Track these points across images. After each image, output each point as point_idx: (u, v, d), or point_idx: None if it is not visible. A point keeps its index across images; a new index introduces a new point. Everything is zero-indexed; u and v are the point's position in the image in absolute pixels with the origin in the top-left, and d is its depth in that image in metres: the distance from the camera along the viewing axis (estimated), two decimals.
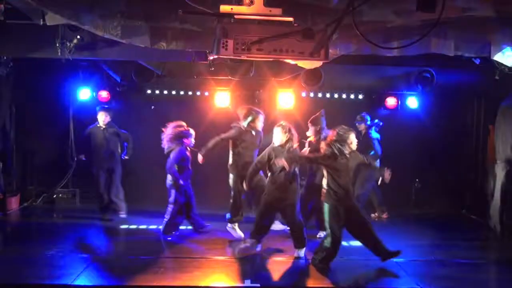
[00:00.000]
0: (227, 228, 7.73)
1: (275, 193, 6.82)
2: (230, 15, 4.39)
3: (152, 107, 10.26)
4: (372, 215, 9.36)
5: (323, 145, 6.49)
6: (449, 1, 4.82)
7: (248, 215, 7.98)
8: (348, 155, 6.35)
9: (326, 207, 6.36)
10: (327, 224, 6.39)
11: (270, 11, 4.45)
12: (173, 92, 10.20)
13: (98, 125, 9.01)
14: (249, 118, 7.70)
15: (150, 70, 9.16)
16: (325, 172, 6.41)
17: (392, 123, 10.18)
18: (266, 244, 7.71)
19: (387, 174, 6.73)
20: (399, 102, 10.32)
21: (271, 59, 7.82)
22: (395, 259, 6.77)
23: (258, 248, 7.00)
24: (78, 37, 6.88)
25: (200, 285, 6.02)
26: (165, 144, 7.67)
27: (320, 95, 10.28)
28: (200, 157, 7.64)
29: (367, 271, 6.52)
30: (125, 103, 10.25)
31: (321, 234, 7.48)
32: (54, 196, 10.10)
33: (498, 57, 6.87)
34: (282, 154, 6.76)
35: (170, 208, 7.66)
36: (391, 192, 9.53)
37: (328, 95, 10.30)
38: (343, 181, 6.31)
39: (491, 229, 8.83)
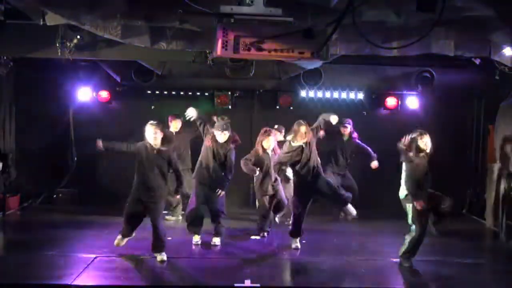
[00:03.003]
0: None
1: None
2: (230, 15, 4.39)
3: (152, 107, 10.25)
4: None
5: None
6: (449, 1, 4.83)
7: None
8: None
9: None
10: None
11: (270, 11, 4.45)
12: (173, 92, 10.20)
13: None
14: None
15: (150, 70, 9.16)
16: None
17: (392, 123, 10.18)
18: (267, 243, 7.73)
19: None
20: (399, 102, 10.33)
21: (271, 59, 7.94)
22: (395, 259, 6.78)
23: None
24: (78, 37, 6.88)
25: (200, 285, 6.02)
26: None
27: (320, 95, 10.28)
28: None
29: (367, 271, 6.51)
30: (125, 103, 10.25)
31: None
32: (54, 196, 10.09)
33: (498, 57, 6.88)
34: None
35: None
36: (391, 192, 9.53)
37: (328, 95, 10.29)
38: None
39: (491, 229, 8.84)
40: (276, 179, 7.93)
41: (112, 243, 7.01)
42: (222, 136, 7.25)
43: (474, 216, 9.80)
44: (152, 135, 6.47)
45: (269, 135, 7.78)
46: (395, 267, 6.61)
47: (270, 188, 7.89)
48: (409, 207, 6.49)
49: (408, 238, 6.52)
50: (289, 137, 7.21)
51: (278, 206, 8.11)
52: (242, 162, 7.75)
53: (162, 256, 6.57)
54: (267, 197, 7.94)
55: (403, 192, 6.57)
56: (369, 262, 6.84)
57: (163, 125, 6.67)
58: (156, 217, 6.59)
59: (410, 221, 6.54)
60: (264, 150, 7.82)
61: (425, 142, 6.36)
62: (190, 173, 8.33)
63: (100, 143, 6.76)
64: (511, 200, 8.19)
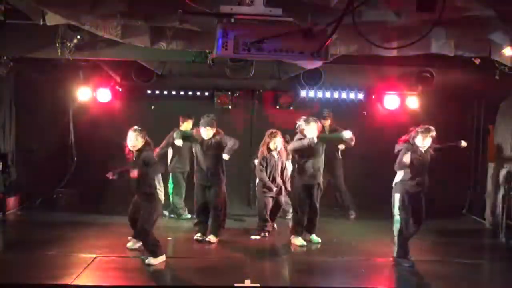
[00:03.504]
0: None
1: None
2: (230, 15, 4.39)
3: (152, 107, 10.25)
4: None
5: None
6: (449, 1, 4.83)
7: None
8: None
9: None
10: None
11: (270, 11, 4.44)
12: (173, 92, 10.20)
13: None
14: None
15: (150, 70, 9.16)
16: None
17: (392, 123, 10.18)
18: (267, 243, 7.73)
19: None
20: (399, 102, 10.33)
21: (271, 59, 7.94)
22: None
23: None
24: (78, 37, 6.87)
25: (200, 285, 6.02)
26: None
27: (320, 94, 10.28)
28: None
29: (367, 271, 6.52)
30: (125, 103, 10.25)
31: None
32: (54, 196, 10.09)
33: (498, 57, 6.87)
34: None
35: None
36: (391, 191, 9.53)
37: (328, 95, 10.29)
38: None
39: (491, 229, 8.84)
40: (280, 185, 8.01)
41: (112, 243, 7.02)
42: (206, 131, 7.44)
43: (474, 216, 9.80)
44: (131, 140, 6.46)
45: (275, 136, 7.83)
46: (395, 267, 6.61)
47: (274, 189, 7.92)
48: (396, 196, 6.60)
49: (395, 232, 6.62)
50: (301, 123, 7.46)
51: (275, 208, 8.14)
52: (258, 173, 8.00)
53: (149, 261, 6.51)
54: (269, 198, 7.94)
55: (396, 179, 6.71)
56: (369, 262, 6.84)
57: (145, 132, 6.58)
58: (140, 218, 6.56)
59: (395, 210, 6.65)
60: (269, 151, 7.85)
61: (421, 140, 6.48)
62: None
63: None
64: (511, 200, 8.20)
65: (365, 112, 10.50)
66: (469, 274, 6.55)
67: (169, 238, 7.75)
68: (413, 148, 6.54)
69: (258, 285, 5.73)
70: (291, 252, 7.31)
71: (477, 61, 7.70)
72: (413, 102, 10.27)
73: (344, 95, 10.33)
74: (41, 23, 6.03)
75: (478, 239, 8.54)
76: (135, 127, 6.56)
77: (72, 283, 5.70)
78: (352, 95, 10.35)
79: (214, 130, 7.53)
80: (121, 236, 7.69)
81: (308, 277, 6.38)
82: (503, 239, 8.19)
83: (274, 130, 7.96)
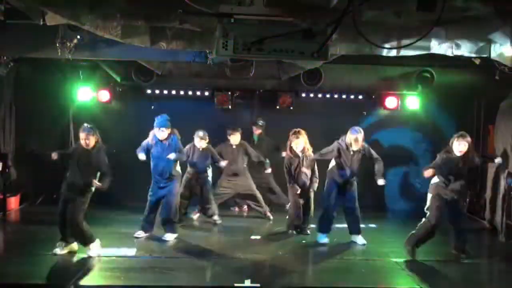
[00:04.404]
0: None
1: None
2: (230, 15, 4.39)
3: (152, 107, 10.25)
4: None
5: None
6: (449, 1, 4.84)
7: None
8: None
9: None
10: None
11: (270, 11, 4.45)
12: (173, 92, 10.20)
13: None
14: None
15: (150, 70, 9.16)
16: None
17: (392, 123, 10.19)
18: (267, 243, 7.73)
19: None
20: (399, 102, 10.32)
21: (271, 59, 7.94)
22: (395, 259, 6.79)
23: None
24: (78, 37, 6.87)
25: (200, 285, 6.02)
26: None
27: (320, 95, 10.27)
28: None
29: (366, 271, 6.52)
30: (125, 103, 10.25)
31: None
32: (54, 196, 10.07)
33: (498, 57, 6.87)
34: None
35: None
36: (390, 192, 9.55)
37: (328, 95, 10.29)
38: None
39: (490, 229, 8.84)
40: (305, 183, 7.98)
41: (112, 243, 7.02)
42: (161, 133, 7.50)
43: (474, 216, 9.79)
44: (82, 139, 6.67)
45: (297, 137, 7.77)
46: (395, 267, 6.61)
47: (298, 190, 7.93)
48: (429, 195, 6.89)
49: (421, 223, 6.89)
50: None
51: (305, 208, 8.11)
52: (289, 186, 8.01)
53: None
54: (298, 197, 7.96)
55: (432, 181, 6.99)
56: (369, 262, 6.84)
57: (95, 131, 6.74)
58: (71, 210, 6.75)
59: (426, 208, 6.94)
60: (293, 151, 7.83)
61: (457, 145, 6.86)
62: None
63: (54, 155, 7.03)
64: (511, 199, 8.19)
65: (365, 112, 10.50)
66: (469, 274, 6.55)
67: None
68: (448, 153, 6.86)
69: (258, 285, 5.73)
70: (292, 252, 7.30)
71: (477, 61, 7.70)
72: (413, 102, 10.27)
73: (344, 95, 10.31)
74: (41, 23, 6.03)
75: (478, 239, 8.53)
76: (86, 124, 6.72)
77: (72, 283, 5.70)
78: (352, 96, 10.34)
79: (169, 131, 7.53)
80: (121, 236, 7.71)
81: (308, 277, 6.38)
82: (503, 239, 8.19)
83: (297, 130, 7.87)
